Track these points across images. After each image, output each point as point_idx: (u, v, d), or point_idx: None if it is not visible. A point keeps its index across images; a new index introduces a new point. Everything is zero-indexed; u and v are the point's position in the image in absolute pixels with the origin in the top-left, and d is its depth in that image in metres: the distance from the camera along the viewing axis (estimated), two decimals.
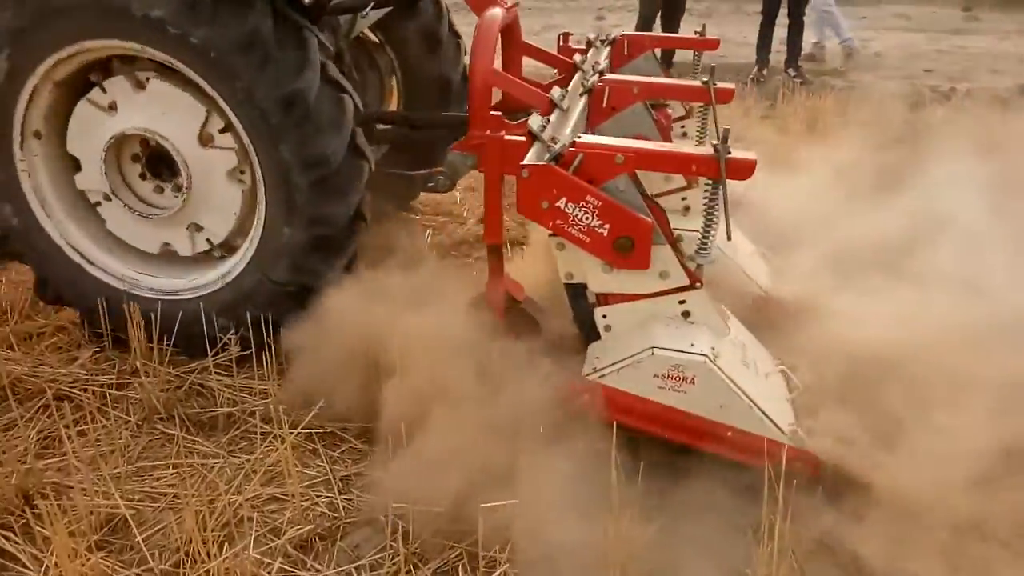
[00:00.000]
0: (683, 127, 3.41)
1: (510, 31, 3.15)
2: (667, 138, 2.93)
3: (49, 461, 2.30)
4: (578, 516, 1.82)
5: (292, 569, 1.92)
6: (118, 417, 2.48)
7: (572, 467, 1.93)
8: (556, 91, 2.56)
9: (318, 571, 1.92)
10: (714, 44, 3.58)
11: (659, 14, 7.62)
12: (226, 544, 1.91)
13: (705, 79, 2.80)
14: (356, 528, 2.07)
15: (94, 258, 2.78)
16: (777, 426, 2.04)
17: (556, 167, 2.11)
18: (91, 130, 2.62)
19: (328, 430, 2.43)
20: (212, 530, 1.93)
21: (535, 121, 2.25)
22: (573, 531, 1.81)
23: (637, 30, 7.72)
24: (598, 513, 1.81)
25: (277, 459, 2.20)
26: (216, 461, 2.30)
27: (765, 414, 2.04)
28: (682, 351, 2.06)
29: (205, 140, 2.55)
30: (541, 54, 3.35)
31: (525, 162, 2.13)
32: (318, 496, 2.16)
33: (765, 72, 7.69)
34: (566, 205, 2.11)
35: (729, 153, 2.03)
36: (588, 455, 1.94)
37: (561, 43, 3.53)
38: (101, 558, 1.90)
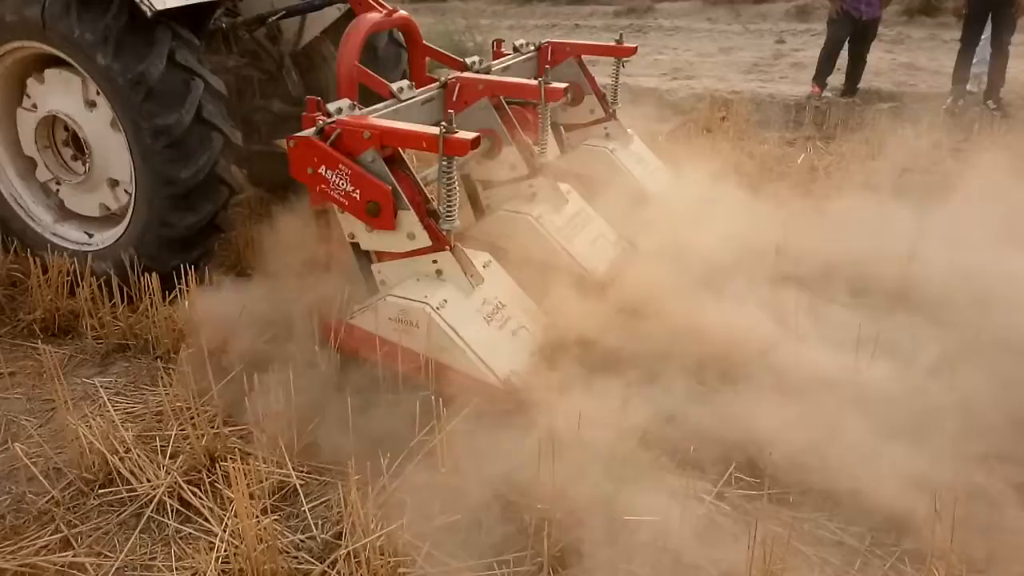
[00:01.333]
0: (606, 128, 4.04)
1: (410, 34, 3.62)
2: (527, 129, 3.26)
3: (233, 428, 2.54)
4: None
5: (438, 554, 2.01)
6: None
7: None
8: (400, 84, 3.01)
9: (463, 560, 1.99)
10: (631, 51, 4.08)
11: (847, 39, 7.31)
12: (383, 522, 2.02)
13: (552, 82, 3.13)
14: (500, 525, 2.14)
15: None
16: (491, 370, 2.44)
17: (316, 139, 2.52)
18: (29, 131, 3.42)
19: None
20: (371, 508, 2.05)
21: (332, 105, 2.66)
22: None
23: (823, 53, 7.44)
24: None
25: (435, 447, 2.31)
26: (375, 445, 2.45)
27: (481, 359, 2.45)
28: (409, 299, 2.51)
29: (89, 105, 3.24)
30: (438, 55, 3.73)
31: (295, 135, 2.55)
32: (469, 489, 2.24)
33: (961, 103, 7.13)
34: (326, 172, 2.55)
35: (450, 133, 2.44)
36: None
37: (495, 48, 3.90)
38: (273, 521, 2.08)
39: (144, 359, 3.00)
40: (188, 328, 2.96)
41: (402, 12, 3.50)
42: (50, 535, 2.18)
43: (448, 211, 2.58)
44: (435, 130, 2.46)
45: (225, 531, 2.08)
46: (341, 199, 2.57)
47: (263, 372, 2.51)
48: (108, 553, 2.13)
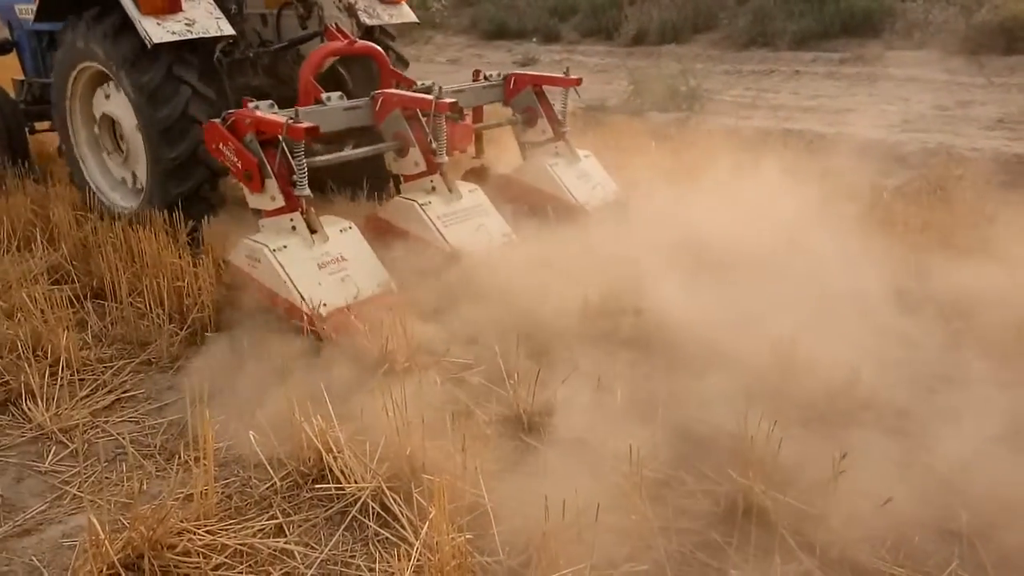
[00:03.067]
0: (556, 147, 4.93)
1: (378, 60, 4.63)
2: (454, 138, 4.25)
3: (434, 442, 2.65)
4: None
5: None
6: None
7: None
8: (331, 95, 4.05)
9: None
10: (575, 81, 4.88)
11: None
12: (569, 559, 2.02)
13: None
14: None
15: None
16: (305, 300, 3.29)
17: (218, 124, 3.52)
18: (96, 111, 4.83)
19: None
20: (558, 543, 2.05)
21: (252, 103, 3.58)
22: None
23: None
24: None
25: (626, 493, 2.28)
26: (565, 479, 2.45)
27: (299, 291, 3.32)
28: (256, 241, 3.46)
29: (123, 108, 4.52)
30: (399, 76, 4.61)
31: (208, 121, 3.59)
32: (655, 540, 2.19)
33: None
34: (224, 148, 3.55)
35: (296, 123, 3.34)
36: None
37: (473, 76, 5.00)
38: (465, 539, 2.14)
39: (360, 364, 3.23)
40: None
41: (366, 43, 4.64)
42: (267, 519, 2.39)
43: (300, 182, 3.49)
44: (281, 118, 3.38)
45: (420, 542, 2.17)
46: (232, 168, 3.59)
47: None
48: (315, 545, 2.30)
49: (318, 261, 3.47)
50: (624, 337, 3.35)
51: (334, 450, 2.53)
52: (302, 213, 3.51)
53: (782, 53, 12.88)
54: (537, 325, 3.33)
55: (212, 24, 4.32)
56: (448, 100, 3.90)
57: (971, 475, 2.43)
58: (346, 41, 4.47)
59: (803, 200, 4.38)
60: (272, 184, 3.49)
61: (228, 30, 4.40)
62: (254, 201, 3.61)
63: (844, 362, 2.90)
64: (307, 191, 3.51)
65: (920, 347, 3.14)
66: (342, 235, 3.63)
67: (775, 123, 8.26)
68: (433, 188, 4.06)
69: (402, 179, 4.29)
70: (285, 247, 3.42)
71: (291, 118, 3.36)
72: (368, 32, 5.08)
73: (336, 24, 4.70)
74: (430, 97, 3.92)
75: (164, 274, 3.69)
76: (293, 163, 3.45)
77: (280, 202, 3.51)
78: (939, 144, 7.24)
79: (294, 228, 3.52)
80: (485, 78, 4.96)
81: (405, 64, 5.25)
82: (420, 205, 3.95)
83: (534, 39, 15.75)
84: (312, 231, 3.52)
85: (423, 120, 4.01)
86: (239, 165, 3.52)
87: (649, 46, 13.62)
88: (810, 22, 12.59)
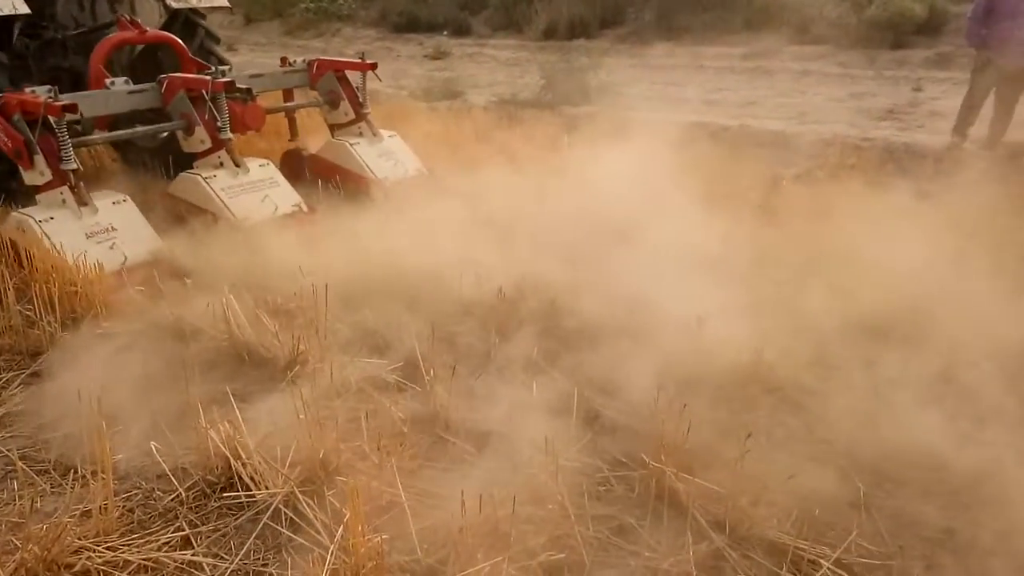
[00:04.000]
0: (359, 127, 5.45)
1: (176, 49, 5.03)
2: (241, 113, 4.53)
3: (349, 443, 2.60)
4: None
5: None
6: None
7: None
8: (117, 80, 4.45)
9: None
10: (370, 66, 5.35)
11: (993, 89, 6.91)
12: (487, 553, 2.01)
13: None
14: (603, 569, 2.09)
15: None
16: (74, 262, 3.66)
17: None
18: None
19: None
20: (476, 537, 2.05)
21: (32, 88, 3.89)
22: None
23: (965, 102, 7.05)
24: None
25: (543, 484, 2.29)
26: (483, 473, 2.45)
27: (65, 255, 3.65)
28: (24, 214, 3.81)
29: None
30: (198, 63, 5.03)
31: None
32: (571, 528, 2.21)
33: None
34: None
35: (52, 100, 3.74)
36: None
37: (280, 64, 5.46)
38: (380, 540, 2.10)
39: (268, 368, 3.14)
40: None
41: (160, 32, 5.08)
42: (173, 532, 2.29)
43: (65, 157, 3.84)
44: (40, 99, 3.73)
45: (335, 545, 2.12)
46: (4, 146, 3.89)
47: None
48: (225, 555, 2.22)
49: (86, 231, 3.83)
50: (528, 322, 3.39)
51: (243, 456, 2.45)
52: (70, 187, 3.87)
53: (687, 48, 13.23)
54: (443, 315, 3.34)
55: (7, 3, 4.42)
56: (224, 80, 4.31)
57: (865, 448, 2.56)
58: (136, 31, 4.88)
59: (702, 187, 4.52)
60: (40, 160, 3.84)
61: (22, 8, 4.47)
62: (28, 177, 3.94)
63: (748, 343, 3.00)
64: (72, 165, 3.87)
65: (816, 327, 3.28)
66: (114, 207, 4.02)
67: (682, 116, 8.47)
68: (220, 163, 4.49)
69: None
70: (52, 218, 3.78)
71: (50, 98, 3.72)
72: (176, 15, 5.50)
73: (127, 16, 5.09)
74: (208, 78, 4.34)
75: (56, 279, 3.48)
76: (58, 140, 3.81)
77: (49, 176, 3.87)
78: (834, 135, 7.59)
79: (64, 201, 3.88)
80: (290, 64, 5.42)
81: (216, 40, 5.73)
82: (204, 179, 4.35)
83: (445, 32, 15.67)
84: (82, 204, 3.90)
85: (209, 101, 4.39)
86: (9, 144, 3.86)
87: (560, 40, 13.76)
88: (712, 17, 12.97)
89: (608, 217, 4.22)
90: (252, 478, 2.41)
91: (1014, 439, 2.56)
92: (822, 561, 2.11)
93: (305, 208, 4.60)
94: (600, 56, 11.01)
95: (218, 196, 4.30)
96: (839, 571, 2.09)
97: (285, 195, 4.61)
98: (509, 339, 3.29)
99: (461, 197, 4.78)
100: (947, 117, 7.74)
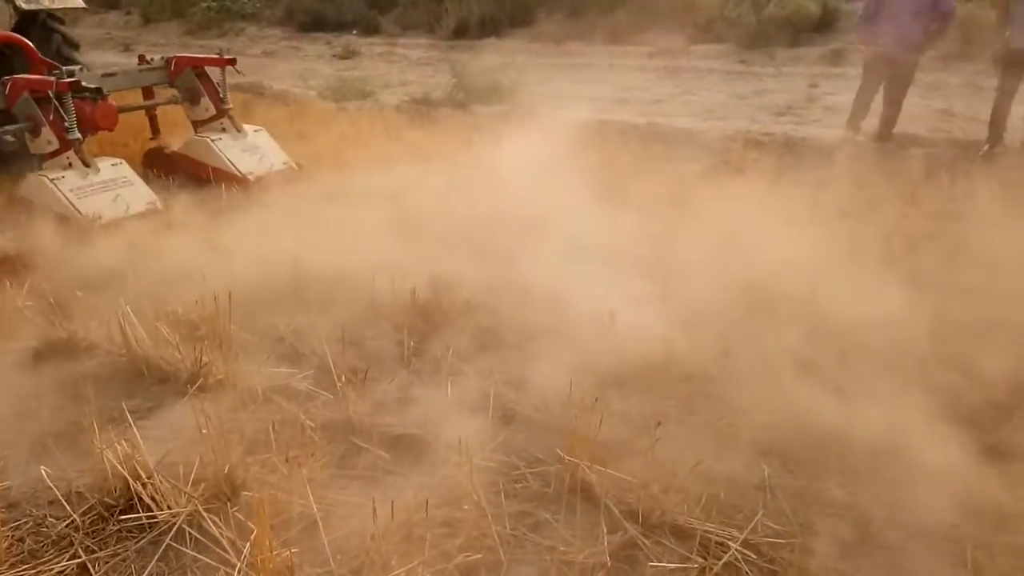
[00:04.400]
0: (222, 123, 5.51)
1: (24, 50, 5.12)
2: (91, 112, 4.58)
3: (257, 456, 2.52)
4: None
5: None
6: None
7: None
8: None
9: None
10: (228, 61, 5.39)
11: (882, 84, 7.28)
12: (401, 559, 1.99)
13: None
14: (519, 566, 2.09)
15: None
16: (80, 213, 4.32)
17: None
18: None
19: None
20: (391, 543, 2.01)
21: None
22: None
23: (857, 97, 7.41)
24: None
25: (458, 485, 2.27)
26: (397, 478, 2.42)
27: (75, 207, 4.31)
28: (38, 174, 4.46)
29: None
30: (46, 65, 5.13)
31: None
32: (488, 528, 2.21)
33: (999, 150, 7.03)
34: None
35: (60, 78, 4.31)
36: None
37: (139, 60, 5.52)
38: (291, 553, 2.05)
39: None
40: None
41: (6, 33, 5.23)
42: (68, 559, 2.17)
43: (71, 127, 4.41)
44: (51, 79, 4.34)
45: (243, 562, 2.05)
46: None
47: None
48: None
49: (93, 186, 4.40)
50: (443, 323, 3.37)
51: (142, 476, 2.33)
52: (76, 152, 4.41)
53: (596, 47, 13.45)
54: (354, 318, 3.29)
55: None
56: (68, 80, 4.37)
57: (770, 431, 2.65)
58: None
59: (612, 183, 4.60)
60: (47, 131, 4.40)
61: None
62: (35, 147, 4.50)
63: (659, 335, 3.06)
64: (77, 135, 4.42)
65: (723, 315, 3.38)
66: (112, 168, 4.62)
67: (593, 114, 8.59)
68: (69, 164, 4.55)
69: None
70: (64, 176, 4.34)
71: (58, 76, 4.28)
72: (30, 18, 5.52)
73: None
74: (52, 79, 4.41)
75: None
76: (66, 113, 4.38)
77: (56, 145, 4.44)
78: (737, 131, 7.85)
79: (70, 164, 4.43)
80: (147, 62, 5.46)
81: (75, 46, 5.77)
82: (51, 180, 4.40)
83: (354, 31, 15.43)
84: (86, 165, 4.47)
85: (56, 102, 4.46)
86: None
87: (470, 39, 13.74)
88: (621, 17, 13.22)
89: (520, 214, 4.24)
90: (153, 498, 2.30)
91: (905, 412, 2.70)
92: (730, 543, 2.17)
93: (160, 206, 4.71)
94: (511, 55, 11.07)
95: (65, 197, 4.35)
96: (746, 552, 2.16)
97: (138, 194, 4.69)
98: (423, 341, 3.26)
99: (373, 197, 4.72)
100: (841, 112, 8.12)
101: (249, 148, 5.39)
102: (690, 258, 3.88)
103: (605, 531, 2.24)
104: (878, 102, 7.46)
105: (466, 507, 2.25)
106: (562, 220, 4.12)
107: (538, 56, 12.90)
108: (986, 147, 7.08)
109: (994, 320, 3.30)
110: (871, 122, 7.54)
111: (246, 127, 5.55)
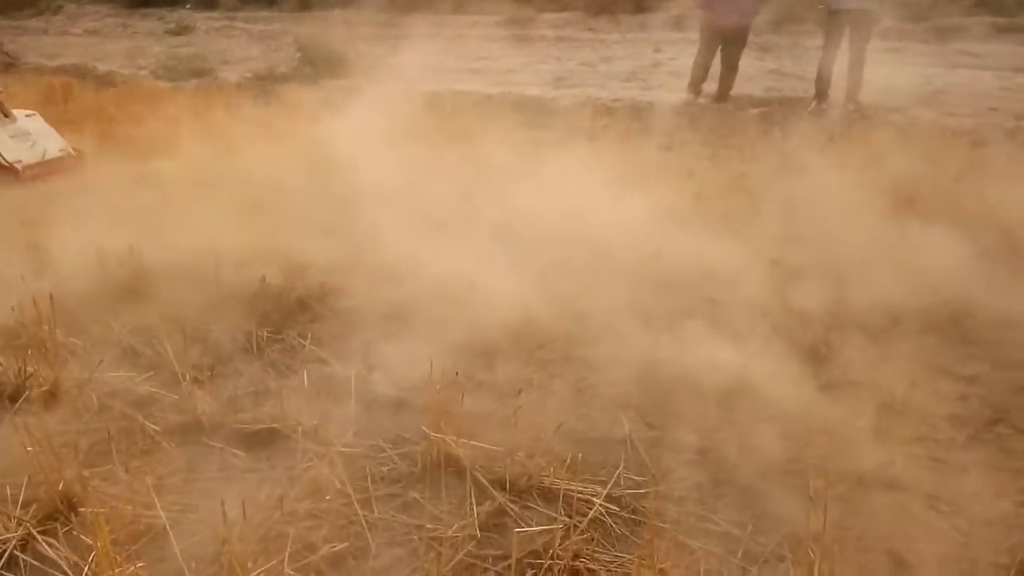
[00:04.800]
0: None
1: None
2: None
3: (97, 469, 2.33)
4: None
5: None
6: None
7: None
8: None
9: None
10: None
11: (719, 47, 7.63)
12: (261, 558, 1.90)
13: None
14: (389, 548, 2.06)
15: None
16: (6, 160, 4.65)
17: None
18: None
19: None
20: (248, 543, 1.92)
21: None
22: None
23: (696, 61, 7.74)
24: None
25: (324, 472, 2.20)
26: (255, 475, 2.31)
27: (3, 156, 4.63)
28: None
29: None
30: None
31: None
32: (354, 514, 2.15)
33: (824, 106, 7.57)
34: None
35: None
36: None
37: None
38: (139, 568, 1.91)
39: None
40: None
41: None
42: None
43: None
44: None
45: None
46: None
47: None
48: None
49: (11, 135, 4.74)
50: (296, 309, 3.25)
51: None
52: None
53: (445, 17, 13.29)
54: (198, 311, 3.11)
55: None
56: None
57: (627, 386, 2.74)
58: None
59: (465, 154, 4.57)
60: None
61: None
62: None
63: (515, 301, 3.08)
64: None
65: (573, 278, 3.45)
66: (28, 119, 4.97)
67: (445, 85, 8.50)
68: None
69: None
70: None
71: None
72: None
73: None
74: None
75: None
76: None
77: None
78: (588, 97, 8.01)
79: None
80: None
81: None
82: None
83: (188, 5, 14.46)
84: (6, 116, 4.84)
85: None
86: None
87: (315, 11, 13.21)
88: None
89: (372, 190, 4.13)
90: None
91: (749, 356, 2.86)
92: (594, 499, 2.23)
93: (72, 152, 5.05)
94: (359, 27, 10.74)
95: None
96: (610, 505, 2.22)
97: (52, 141, 4.98)
98: (277, 330, 3.12)
99: (214, 181, 4.45)
100: (684, 76, 8.47)
101: (19, 134, 4.99)
102: (545, 224, 3.92)
103: (474, 503, 2.24)
104: (717, 65, 7.83)
105: (329, 497, 2.19)
106: (415, 193, 4.06)
107: (386, 27, 12.59)
108: (813, 103, 7.61)
109: (823, 264, 3.56)
110: (711, 85, 7.91)
111: (16, 112, 5.14)
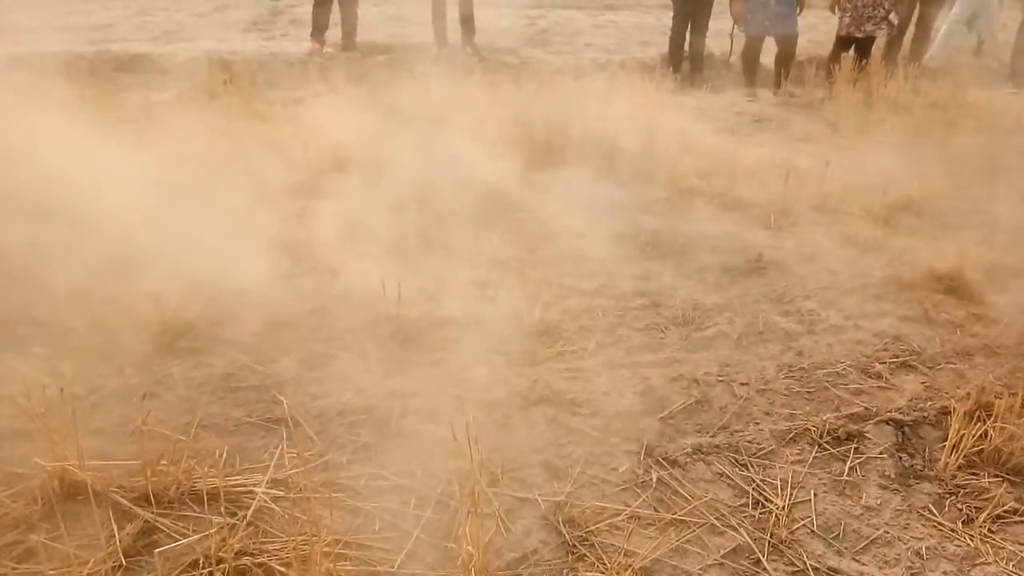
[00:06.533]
0: None
1: None
2: None
3: None
4: None
5: None
6: None
7: None
8: None
9: None
10: None
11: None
12: None
13: None
14: None
15: None
16: None
17: None
18: None
19: None
20: None
21: None
22: None
23: (314, 9, 7.48)
24: None
25: None
26: None
27: None
28: None
29: None
30: None
31: None
32: None
33: (445, 51, 7.86)
34: None
35: None
36: None
37: None
38: None
39: None
40: None
41: None
42: None
43: None
44: None
45: None
46: None
47: None
48: None
49: None
50: None
51: None
52: None
53: None
54: None
55: None
56: None
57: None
58: None
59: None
60: None
61: None
62: None
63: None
64: None
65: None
66: None
67: (21, 49, 7.15)
68: None
69: None
70: None
71: None
72: None
73: None
74: None
75: None
76: None
77: None
78: (204, 51, 7.33)
79: None
80: None
81: None
82: None
83: None
84: None
85: None
86: None
87: None
88: None
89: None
90: None
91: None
92: (255, 489, 2.07)
93: None
94: None
95: None
96: (275, 490, 2.09)
97: None
98: None
99: None
100: (306, 24, 8.15)
101: None
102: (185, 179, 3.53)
103: (116, 528, 1.95)
104: (336, 12, 7.65)
105: None
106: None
107: None
108: (435, 49, 7.85)
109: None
110: (335, 32, 7.73)
111: None
